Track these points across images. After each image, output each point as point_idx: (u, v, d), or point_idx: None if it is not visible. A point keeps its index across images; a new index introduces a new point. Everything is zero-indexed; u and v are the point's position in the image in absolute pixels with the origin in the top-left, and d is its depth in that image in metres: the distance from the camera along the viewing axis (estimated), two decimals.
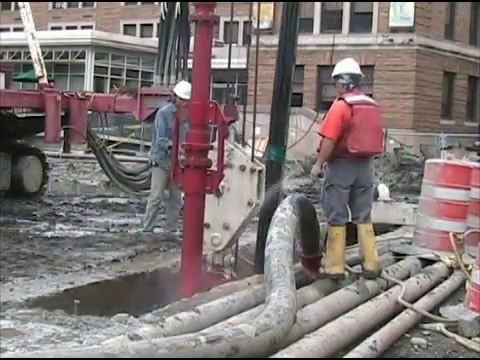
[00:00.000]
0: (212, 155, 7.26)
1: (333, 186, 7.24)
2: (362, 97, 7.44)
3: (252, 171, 7.73)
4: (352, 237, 7.53)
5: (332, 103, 7.47)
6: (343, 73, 7.42)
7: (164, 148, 10.31)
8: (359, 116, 7.19)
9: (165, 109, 10.59)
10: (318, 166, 7.28)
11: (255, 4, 12.76)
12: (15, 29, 42.63)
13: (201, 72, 7.27)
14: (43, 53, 17.12)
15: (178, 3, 13.36)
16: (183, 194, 7.99)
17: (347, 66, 7.51)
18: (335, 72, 7.50)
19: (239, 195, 7.73)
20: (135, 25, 50.68)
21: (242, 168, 7.73)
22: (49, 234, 10.73)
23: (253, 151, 7.97)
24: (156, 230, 10.92)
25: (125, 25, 51.31)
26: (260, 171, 7.74)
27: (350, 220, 7.47)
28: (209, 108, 7.21)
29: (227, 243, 7.81)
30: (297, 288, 5.75)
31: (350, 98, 7.27)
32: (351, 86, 7.38)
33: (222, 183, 7.52)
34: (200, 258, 7.38)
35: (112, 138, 21.21)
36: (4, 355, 4.34)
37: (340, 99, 7.33)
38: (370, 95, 32.85)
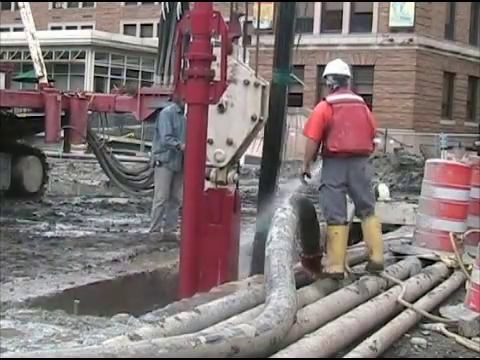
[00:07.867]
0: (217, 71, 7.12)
1: (325, 186, 7.26)
2: (345, 96, 7.41)
3: (256, 85, 7.59)
4: (352, 237, 7.53)
5: None
6: (328, 74, 7.50)
7: (171, 147, 10.26)
8: (339, 115, 7.20)
9: (169, 109, 10.52)
10: (304, 166, 7.36)
11: (255, 4, 12.77)
12: (15, 29, 42.55)
13: None
14: (43, 53, 17.13)
15: (179, 3, 13.35)
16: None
17: (332, 67, 7.55)
18: (324, 73, 7.56)
19: (243, 110, 7.59)
20: (135, 25, 50.67)
21: (246, 83, 7.59)
22: (49, 234, 10.74)
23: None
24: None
25: (125, 25, 51.31)
26: (264, 87, 7.63)
27: (353, 219, 7.47)
28: (212, 18, 7.08)
29: (231, 159, 7.67)
30: (297, 288, 5.74)
31: (331, 97, 7.33)
32: (335, 87, 7.42)
33: (225, 98, 7.41)
34: (203, 175, 7.33)
35: (112, 138, 21.21)
36: (4, 355, 4.33)
37: (323, 100, 7.38)
38: (369, 95, 33.24)
